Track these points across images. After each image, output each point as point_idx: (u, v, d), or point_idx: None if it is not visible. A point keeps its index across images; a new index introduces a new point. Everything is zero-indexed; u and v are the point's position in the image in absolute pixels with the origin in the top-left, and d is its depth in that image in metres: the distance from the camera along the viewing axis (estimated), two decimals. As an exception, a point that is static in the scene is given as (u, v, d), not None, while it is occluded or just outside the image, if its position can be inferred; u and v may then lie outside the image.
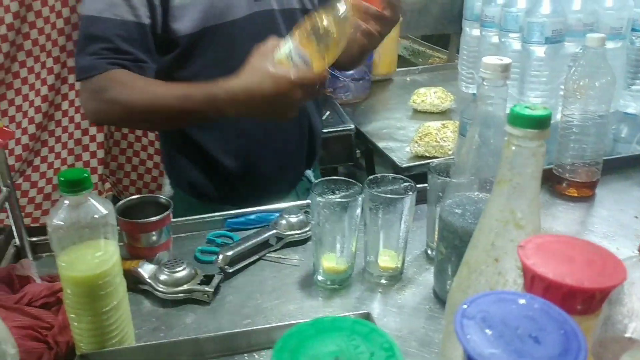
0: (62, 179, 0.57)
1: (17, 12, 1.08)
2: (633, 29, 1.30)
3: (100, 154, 1.24)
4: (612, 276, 0.36)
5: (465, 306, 0.32)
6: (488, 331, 0.30)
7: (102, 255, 0.61)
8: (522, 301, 0.33)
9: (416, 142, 1.37)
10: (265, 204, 1.01)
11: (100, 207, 0.59)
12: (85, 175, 0.58)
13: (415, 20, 2.43)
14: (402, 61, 2.43)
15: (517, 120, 0.47)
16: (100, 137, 1.23)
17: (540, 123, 0.46)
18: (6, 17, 1.07)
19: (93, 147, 1.22)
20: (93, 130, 1.22)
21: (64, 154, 1.21)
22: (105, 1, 0.93)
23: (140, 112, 0.93)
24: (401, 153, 1.39)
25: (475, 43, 1.59)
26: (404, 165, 1.31)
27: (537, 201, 0.49)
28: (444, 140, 1.34)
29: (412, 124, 1.55)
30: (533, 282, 0.36)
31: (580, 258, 0.38)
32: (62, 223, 0.58)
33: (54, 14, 1.13)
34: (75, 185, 0.57)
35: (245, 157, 1.10)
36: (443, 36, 2.64)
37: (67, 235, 0.58)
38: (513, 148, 0.48)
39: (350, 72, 1.69)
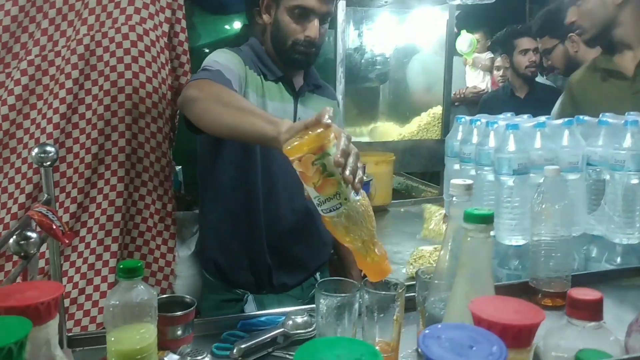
0: (121, 267, 0.72)
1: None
2: (588, 164, 1.53)
3: (115, 246, 1.33)
4: (533, 319, 0.50)
5: (427, 331, 0.46)
6: (443, 344, 0.44)
7: (144, 334, 0.74)
8: (467, 330, 0.47)
9: (411, 264, 1.52)
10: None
11: (148, 291, 0.74)
12: (139, 265, 0.74)
13: (408, 160, 2.74)
14: (397, 194, 2.67)
15: (470, 218, 0.64)
16: (115, 241, 1.33)
17: (485, 219, 0.63)
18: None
19: (114, 247, 1.33)
20: (116, 232, 1.33)
21: (86, 253, 1.31)
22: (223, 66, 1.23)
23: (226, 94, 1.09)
24: (398, 274, 1.54)
25: (456, 175, 1.81)
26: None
27: (490, 277, 0.64)
28: (436, 262, 1.49)
29: (407, 249, 1.73)
30: (479, 324, 0.51)
31: (512, 309, 0.52)
32: (117, 302, 0.72)
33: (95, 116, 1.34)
34: (130, 272, 0.73)
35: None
36: (434, 174, 2.93)
37: (120, 313, 0.72)
38: (469, 239, 0.64)
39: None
